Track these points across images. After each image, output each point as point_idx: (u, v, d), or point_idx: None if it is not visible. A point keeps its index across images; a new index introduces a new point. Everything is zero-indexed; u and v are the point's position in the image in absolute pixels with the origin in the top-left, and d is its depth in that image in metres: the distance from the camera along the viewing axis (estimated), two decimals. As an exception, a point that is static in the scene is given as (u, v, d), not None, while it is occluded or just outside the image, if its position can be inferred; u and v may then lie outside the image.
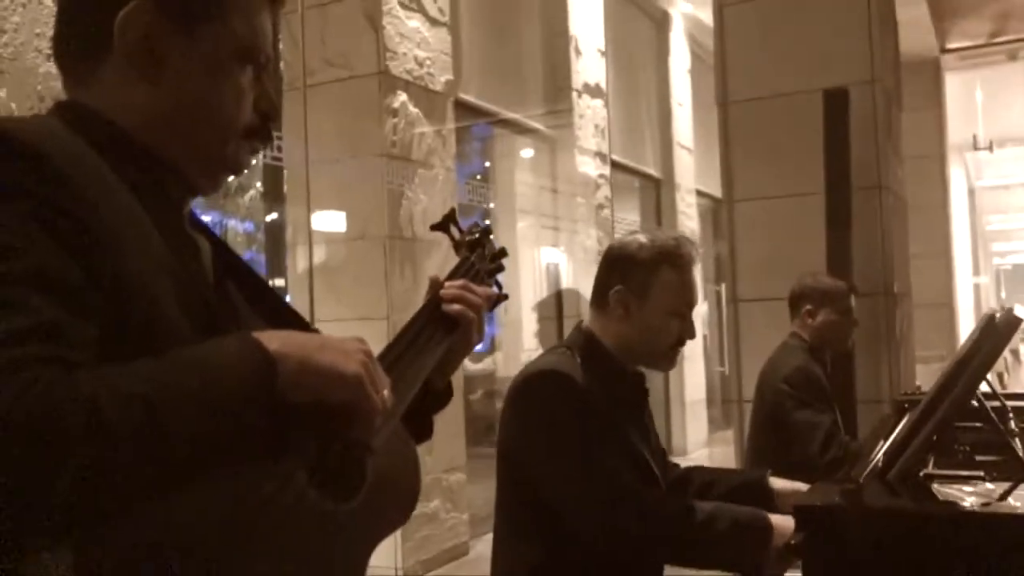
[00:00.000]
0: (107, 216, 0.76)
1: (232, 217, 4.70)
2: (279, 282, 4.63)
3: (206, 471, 0.72)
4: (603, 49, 6.70)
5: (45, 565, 0.65)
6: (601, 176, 6.53)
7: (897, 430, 1.35)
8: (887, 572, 0.97)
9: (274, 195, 4.75)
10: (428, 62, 4.60)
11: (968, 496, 1.10)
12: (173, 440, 0.68)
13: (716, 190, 7.06)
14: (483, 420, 6.04)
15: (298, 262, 4.54)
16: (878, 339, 3.68)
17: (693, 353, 7.82)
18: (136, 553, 0.68)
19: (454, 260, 1.21)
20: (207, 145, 0.91)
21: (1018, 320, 1.24)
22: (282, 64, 4.21)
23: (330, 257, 4.43)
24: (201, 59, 0.89)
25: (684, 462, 2.07)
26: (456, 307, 1.09)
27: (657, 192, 7.98)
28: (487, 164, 6.35)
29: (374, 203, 4.28)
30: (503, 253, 1.27)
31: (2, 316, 0.66)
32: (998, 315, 1.26)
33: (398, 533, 4.11)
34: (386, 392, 0.84)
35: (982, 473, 1.18)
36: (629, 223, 7.35)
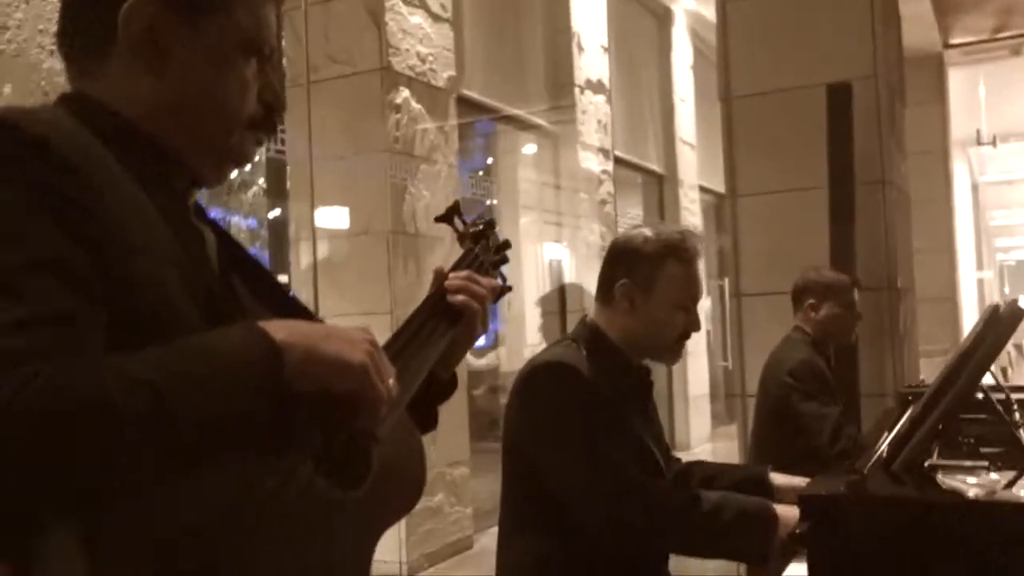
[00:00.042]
0: (113, 205, 0.76)
1: (235, 213, 4.70)
2: (282, 278, 4.64)
3: (213, 459, 0.72)
4: (606, 45, 6.69)
5: (53, 548, 0.66)
6: (604, 172, 6.53)
7: (901, 422, 1.35)
8: (891, 561, 0.98)
9: (277, 191, 4.76)
10: (431, 58, 4.60)
11: (973, 487, 1.11)
12: (180, 427, 0.68)
13: (719, 186, 7.06)
14: (487, 415, 6.05)
15: (301, 258, 4.55)
16: (882, 333, 3.68)
17: (696, 348, 7.82)
18: (144, 537, 0.68)
19: (458, 254, 1.21)
20: (212, 136, 0.91)
21: (1022, 312, 1.24)
22: (285, 60, 4.22)
23: (333, 253, 4.44)
24: (205, 51, 0.89)
25: (687, 457, 2.08)
26: (460, 298, 1.09)
27: (660, 188, 7.98)
28: (489, 160, 6.35)
29: (377, 199, 4.29)
30: (507, 245, 1.27)
31: (11, 304, 0.66)
32: (1002, 306, 1.26)
33: (402, 527, 4.13)
34: (391, 381, 0.84)
35: (987, 463, 1.19)
36: (632, 218, 7.35)
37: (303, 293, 4.34)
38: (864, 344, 3.49)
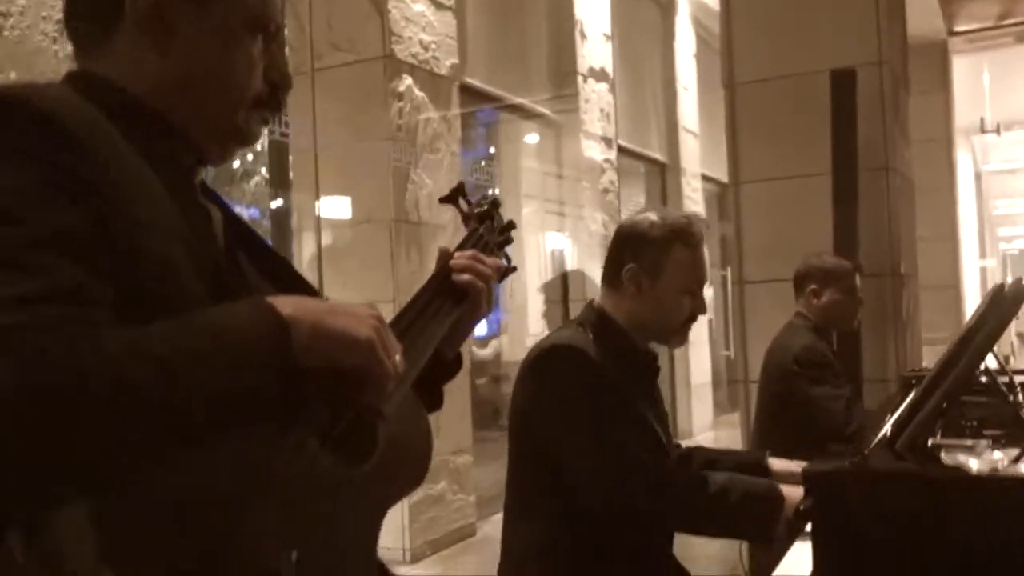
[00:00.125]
0: (120, 181, 0.76)
1: (237, 204, 4.70)
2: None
3: (221, 434, 0.72)
4: (609, 33, 6.67)
5: (63, 521, 0.66)
6: (606, 160, 6.52)
7: (905, 403, 1.36)
8: (895, 536, 0.98)
9: (279, 181, 4.75)
10: (433, 46, 4.59)
11: (976, 464, 1.11)
12: (189, 402, 0.68)
13: (721, 175, 7.04)
14: (489, 404, 6.06)
15: (304, 247, 4.55)
16: (884, 319, 3.68)
17: (699, 337, 7.83)
18: (152, 510, 0.69)
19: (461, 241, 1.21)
20: (217, 114, 0.92)
21: (1026, 290, 1.25)
22: (288, 49, 4.21)
23: (336, 241, 4.44)
24: (211, 28, 0.89)
25: (690, 445, 2.09)
26: (466, 277, 1.09)
27: (662, 176, 7.97)
28: (492, 149, 6.35)
29: (380, 187, 4.29)
30: (512, 226, 1.27)
31: (22, 277, 0.66)
32: (1007, 286, 1.26)
33: (405, 514, 4.15)
34: (398, 357, 0.85)
35: (989, 440, 1.19)
36: (634, 207, 7.34)
37: (306, 281, 4.34)
38: (867, 330, 3.50)
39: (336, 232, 4.45)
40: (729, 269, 4.22)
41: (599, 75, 6.51)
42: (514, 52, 5.94)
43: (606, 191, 6.48)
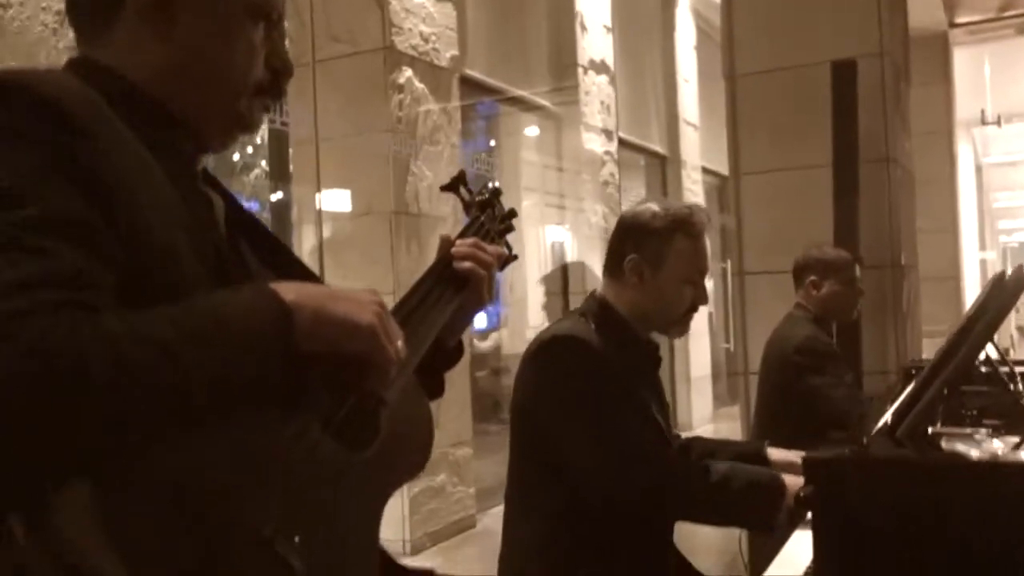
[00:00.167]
0: (121, 167, 0.77)
1: (237, 196, 4.69)
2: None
3: (223, 418, 0.73)
4: (609, 25, 6.66)
5: (66, 501, 0.66)
6: (607, 153, 6.52)
7: (906, 392, 1.36)
8: (896, 523, 0.98)
9: (279, 174, 4.75)
10: (433, 37, 4.58)
11: (976, 453, 1.11)
12: (190, 385, 0.68)
13: (722, 167, 7.03)
14: (489, 397, 6.07)
15: (304, 240, 4.55)
16: (884, 311, 3.68)
17: (698, 330, 7.83)
18: (154, 494, 0.69)
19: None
20: (219, 101, 0.92)
21: (1028, 277, 1.25)
22: (287, 41, 4.20)
23: (336, 233, 4.44)
24: (213, 15, 0.89)
25: (689, 436, 2.09)
26: (467, 265, 1.09)
27: (663, 169, 7.96)
28: (492, 143, 6.34)
29: (380, 179, 4.29)
30: (513, 214, 1.27)
31: (24, 261, 0.66)
32: (1008, 274, 1.27)
33: (405, 506, 4.16)
34: (399, 343, 0.85)
35: (989, 429, 1.20)
36: (635, 199, 7.33)
37: (307, 274, 4.34)
38: (867, 321, 3.50)
39: (336, 224, 4.45)
40: (729, 261, 4.22)
41: (599, 67, 6.50)
42: (514, 44, 5.93)
43: (606, 183, 6.48)
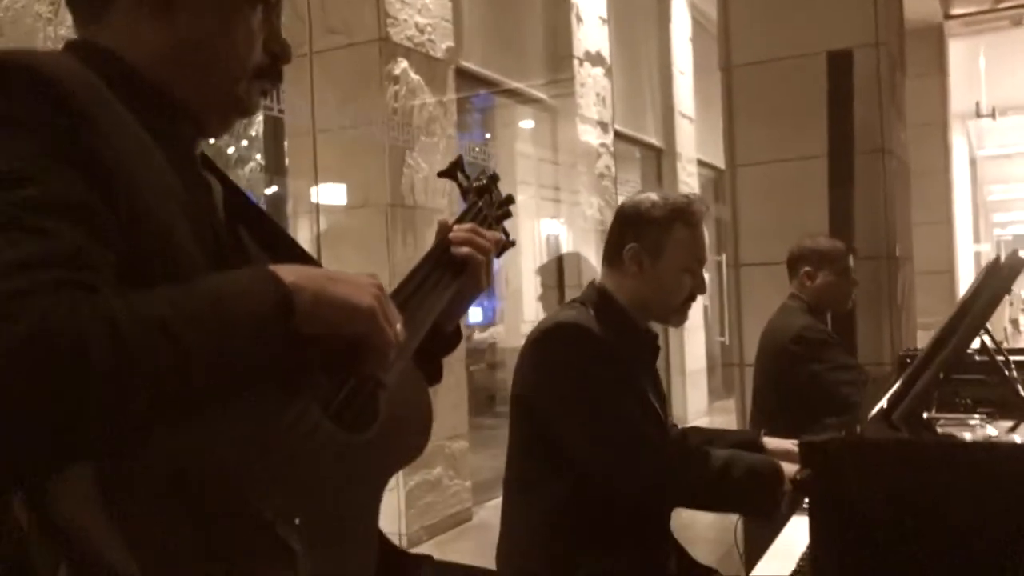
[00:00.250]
0: (121, 149, 0.77)
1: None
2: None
3: (224, 399, 0.73)
4: (605, 16, 6.65)
5: (68, 485, 0.67)
6: (602, 145, 6.51)
7: (901, 378, 1.37)
8: (892, 506, 0.99)
9: (274, 167, 4.74)
10: (429, 28, 4.57)
11: (970, 437, 1.12)
12: (190, 365, 0.68)
13: (717, 160, 7.04)
14: (485, 391, 6.08)
15: (300, 233, 4.54)
16: (880, 302, 3.69)
17: (694, 323, 7.84)
18: (154, 476, 0.69)
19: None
20: (218, 85, 0.92)
21: (1022, 262, 1.25)
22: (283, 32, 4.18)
23: (332, 226, 4.43)
24: None
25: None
26: (465, 250, 1.10)
27: (658, 161, 7.96)
28: (487, 135, 6.33)
29: (375, 171, 4.28)
30: (510, 200, 1.28)
31: (24, 241, 0.66)
32: (1003, 258, 1.27)
33: (402, 499, 4.16)
34: (399, 326, 0.85)
35: (984, 415, 1.20)
36: (631, 192, 7.33)
37: (303, 266, 4.33)
38: (862, 312, 3.51)
39: (332, 216, 4.44)
40: (724, 255, 4.22)
41: (595, 59, 6.49)
42: (510, 35, 5.91)
43: (602, 176, 6.48)
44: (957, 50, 8.21)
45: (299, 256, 1.00)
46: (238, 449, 0.75)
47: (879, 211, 3.70)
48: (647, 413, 1.71)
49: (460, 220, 1.17)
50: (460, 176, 1.23)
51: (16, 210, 0.67)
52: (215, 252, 0.85)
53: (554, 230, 6.64)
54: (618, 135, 6.87)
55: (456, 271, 1.09)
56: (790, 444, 1.82)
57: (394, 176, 4.28)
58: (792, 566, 1.42)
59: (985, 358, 1.49)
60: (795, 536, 1.57)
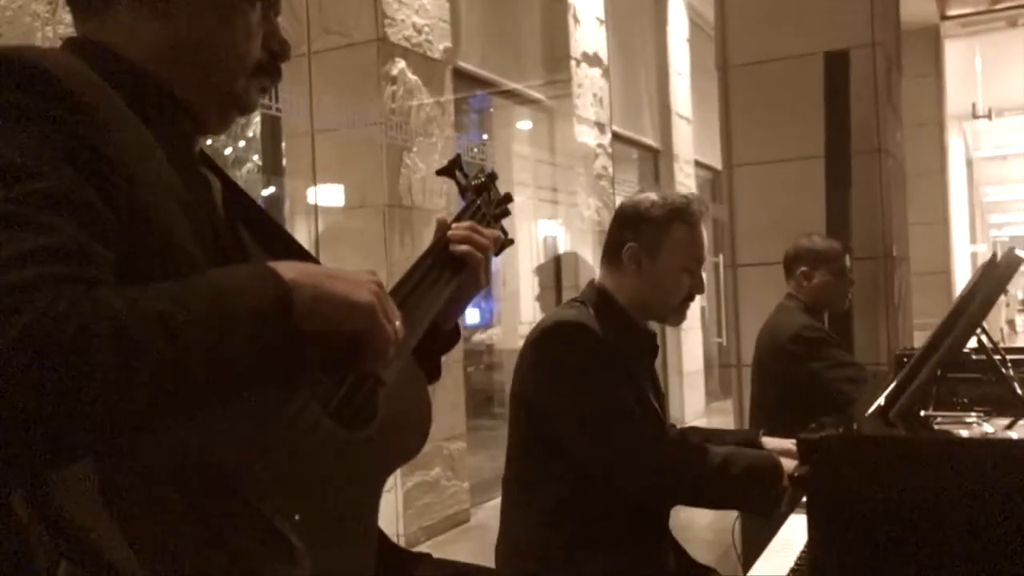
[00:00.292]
0: (121, 142, 0.77)
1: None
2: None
3: (224, 396, 0.73)
4: (602, 17, 6.65)
5: (69, 479, 0.67)
6: (599, 146, 6.52)
7: (899, 376, 1.37)
8: (888, 501, 0.99)
9: (272, 168, 4.74)
10: (426, 29, 4.57)
11: (966, 433, 1.12)
12: (191, 362, 0.68)
13: (714, 161, 7.04)
14: (483, 392, 6.08)
15: (297, 233, 4.54)
16: (876, 302, 3.70)
17: (691, 324, 7.85)
18: (154, 470, 0.69)
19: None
20: (217, 82, 0.92)
21: (1019, 260, 1.26)
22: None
23: (330, 226, 4.43)
24: None
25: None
26: (464, 248, 1.10)
27: (655, 162, 7.97)
28: (484, 136, 6.33)
29: (373, 172, 4.28)
30: (509, 198, 1.28)
31: (25, 235, 0.66)
32: (1000, 256, 1.28)
33: (400, 500, 4.16)
34: (398, 323, 0.85)
35: (981, 412, 1.21)
36: (628, 193, 7.32)
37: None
38: (859, 312, 3.51)
39: (330, 217, 4.44)
40: (721, 255, 4.23)
41: (592, 60, 6.50)
42: (507, 36, 5.92)
43: (599, 177, 6.48)
44: (953, 51, 8.22)
45: (298, 254, 1.00)
46: (238, 446, 0.75)
47: (876, 211, 3.71)
48: (646, 411, 1.72)
49: (459, 218, 1.17)
50: (458, 174, 1.23)
51: (18, 205, 0.67)
52: (215, 250, 0.85)
53: (552, 231, 6.65)
54: (615, 136, 6.88)
55: (455, 269, 1.09)
56: (789, 444, 1.82)
57: (392, 177, 4.28)
58: (791, 564, 1.43)
59: (982, 357, 1.49)
60: (794, 533, 1.58)
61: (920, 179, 6.65)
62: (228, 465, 0.74)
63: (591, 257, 6.13)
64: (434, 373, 1.14)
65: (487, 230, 1.15)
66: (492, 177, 1.26)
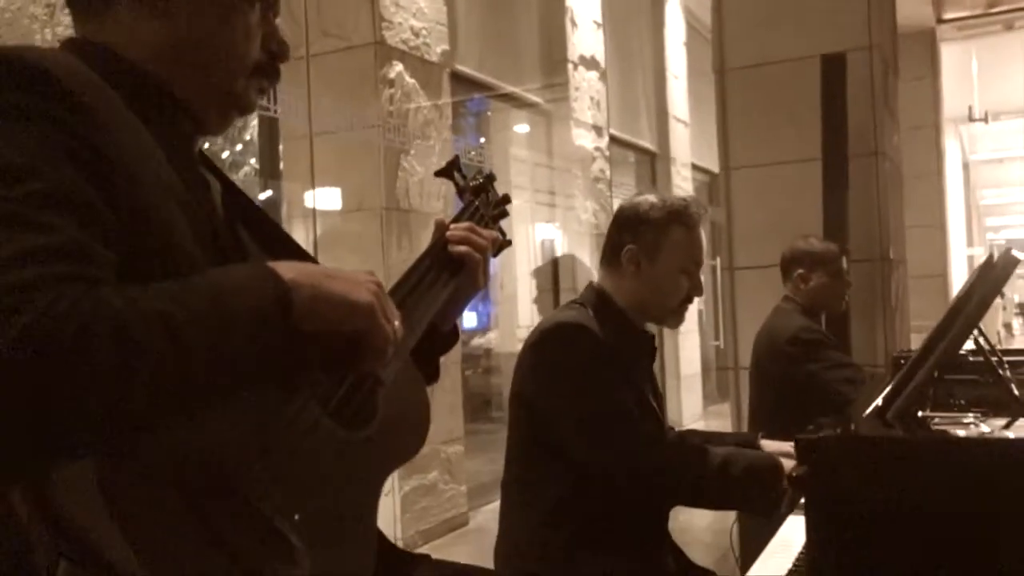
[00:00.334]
0: (122, 144, 0.77)
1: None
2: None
3: (224, 396, 0.73)
4: (599, 21, 6.67)
5: (68, 481, 0.67)
6: (597, 149, 6.53)
7: (896, 378, 1.37)
8: (886, 501, 1.00)
9: (269, 171, 4.74)
10: (424, 32, 4.58)
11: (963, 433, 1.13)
12: (191, 362, 0.68)
13: (711, 164, 7.05)
14: (480, 396, 6.08)
15: (294, 236, 4.52)
16: (874, 304, 3.70)
17: (688, 327, 7.86)
18: (155, 470, 0.69)
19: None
20: (216, 82, 0.92)
21: (1016, 260, 1.26)
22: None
23: (327, 229, 4.43)
24: None
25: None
26: (462, 248, 1.10)
27: (652, 166, 7.98)
28: (482, 139, 6.33)
29: (370, 175, 4.28)
30: (507, 199, 1.28)
31: (26, 235, 0.66)
32: (997, 255, 1.28)
33: (397, 504, 4.15)
34: (397, 323, 0.85)
35: (978, 413, 1.21)
36: (626, 196, 7.33)
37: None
38: (856, 314, 3.52)
39: (327, 220, 4.44)
40: (719, 258, 4.23)
41: (590, 63, 6.51)
42: (505, 39, 5.92)
43: (597, 180, 6.49)
44: (950, 54, 8.25)
45: (296, 254, 1.01)
46: (238, 446, 0.75)
47: (873, 214, 3.72)
48: (646, 412, 1.72)
49: (457, 219, 1.17)
50: (456, 175, 1.23)
51: (18, 205, 0.67)
52: (214, 250, 0.85)
53: (549, 234, 6.65)
54: (612, 139, 6.89)
55: (453, 270, 1.09)
56: (788, 446, 1.82)
57: (389, 180, 4.28)
58: (788, 565, 1.43)
59: (979, 359, 1.50)
60: (792, 535, 1.58)
61: (917, 182, 6.67)
62: (228, 465, 0.74)
63: (588, 260, 6.13)
64: (433, 374, 1.14)
65: (485, 231, 1.15)
66: (490, 178, 1.26)
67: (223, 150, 4.91)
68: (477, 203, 1.21)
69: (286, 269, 0.77)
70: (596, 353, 1.66)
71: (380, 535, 0.98)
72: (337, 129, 4.29)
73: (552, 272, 6.29)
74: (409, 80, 4.43)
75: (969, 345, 1.48)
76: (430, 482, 4.44)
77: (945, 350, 1.17)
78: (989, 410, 1.37)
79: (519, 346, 1.77)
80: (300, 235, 4.44)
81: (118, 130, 0.77)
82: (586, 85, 6.43)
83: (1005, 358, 1.74)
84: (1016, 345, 11.88)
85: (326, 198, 4.44)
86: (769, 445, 1.91)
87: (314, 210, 4.37)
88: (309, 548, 0.78)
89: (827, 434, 1.04)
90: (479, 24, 5.59)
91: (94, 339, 0.63)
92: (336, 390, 0.87)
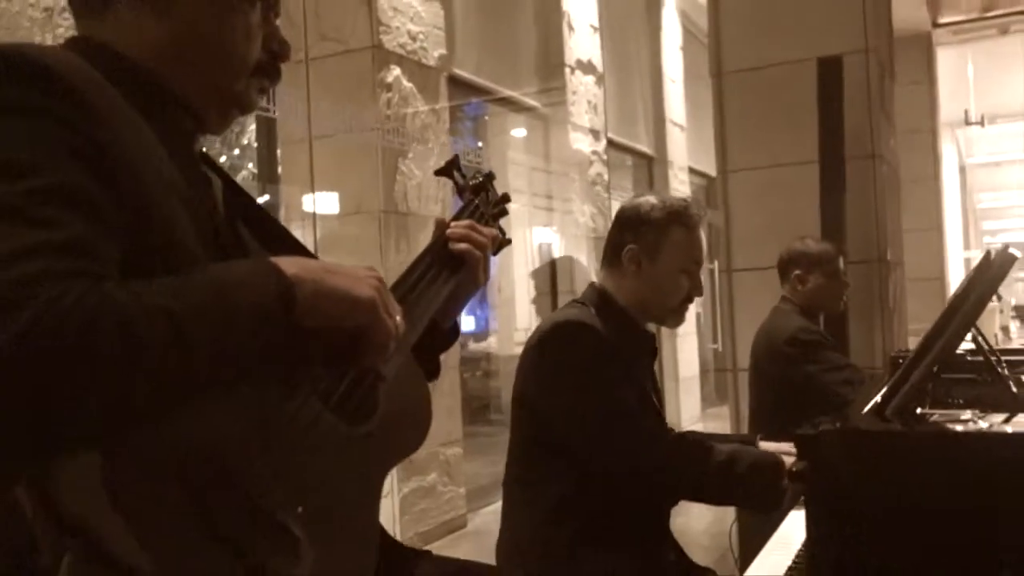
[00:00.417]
0: (122, 139, 0.77)
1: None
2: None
3: (227, 391, 0.73)
4: (596, 25, 6.68)
5: (73, 471, 0.67)
6: (594, 153, 6.54)
7: (895, 375, 1.38)
8: (885, 495, 1.00)
9: (267, 175, 4.74)
10: (421, 36, 4.59)
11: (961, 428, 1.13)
12: (195, 355, 0.69)
13: (708, 168, 7.07)
14: (479, 399, 6.08)
15: (293, 239, 4.52)
16: (871, 305, 3.71)
17: (686, 329, 7.86)
18: (157, 464, 0.69)
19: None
20: (217, 82, 0.92)
21: (1013, 258, 1.27)
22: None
23: (326, 233, 4.43)
24: None
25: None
26: (463, 246, 1.10)
27: (650, 169, 8.00)
28: (480, 143, 6.34)
29: (368, 178, 4.28)
30: (506, 198, 1.29)
31: (30, 230, 0.67)
32: (994, 253, 1.29)
33: (396, 506, 4.15)
34: (398, 318, 0.86)
35: (976, 411, 1.21)
36: (623, 200, 7.33)
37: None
38: (853, 316, 3.52)
39: (325, 223, 4.45)
40: (717, 261, 4.24)
41: (587, 67, 6.52)
42: (502, 43, 5.94)
43: (594, 183, 6.50)
44: (946, 58, 8.27)
45: (297, 251, 1.01)
46: (240, 441, 0.75)
47: (870, 216, 3.73)
48: (648, 410, 1.73)
49: (457, 217, 1.18)
50: (456, 175, 1.24)
51: (22, 200, 0.68)
52: (215, 247, 0.85)
53: (547, 238, 6.65)
54: (610, 143, 6.90)
55: (454, 267, 1.10)
56: (787, 447, 1.83)
57: (387, 183, 4.29)
58: (788, 562, 1.43)
59: (978, 358, 1.50)
60: (792, 531, 1.58)
61: (914, 185, 6.69)
62: (230, 459, 0.74)
63: (586, 264, 6.14)
64: (433, 371, 1.14)
65: (486, 229, 1.16)
66: (490, 177, 1.27)
67: (221, 154, 4.92)
68: (477, 202, 1.22)
69: (288, 264, 0.78)
70: (598, 350, 1.67)
71: (382, 530, 0.98)
72: (335, 132, 4.30)
73: (550, 275, 6.29)
74: (407, 84, 4.44)
75: (967, 344, 1.49)
76: (429, 484, 4.44)
77: (943, 347, 1.18)
78: (988, 409, 1.38)
79: (517, 349, 1.78)
80: (299, 239, 4.44)
81: (120, 127, 0.78)
82: (583, 89, 6.44)
83: (1004, 358, 1.74)
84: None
85: (324, 202, 4.44)
86: (768, 446, 1.91)
87: (313, 214, 4.37)
88: (311, 542, 0.78)
89: (827, 428, 1.05)
90: (476, 28, 5.60)
91: (99, 334, 0.64)
92: (338, 385, 0.87)
